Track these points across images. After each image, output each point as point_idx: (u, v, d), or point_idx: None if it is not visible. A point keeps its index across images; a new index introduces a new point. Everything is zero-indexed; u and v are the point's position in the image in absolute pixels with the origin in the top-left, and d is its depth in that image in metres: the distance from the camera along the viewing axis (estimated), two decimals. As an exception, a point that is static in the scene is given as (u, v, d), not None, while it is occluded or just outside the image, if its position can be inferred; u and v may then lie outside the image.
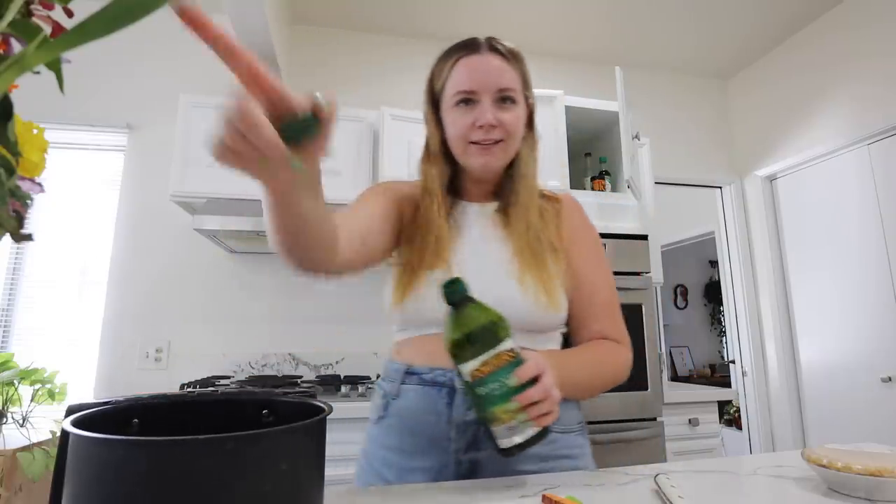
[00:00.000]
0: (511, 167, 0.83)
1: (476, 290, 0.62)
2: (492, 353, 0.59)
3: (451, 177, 0.85)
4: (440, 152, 0.83)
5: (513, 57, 0.81)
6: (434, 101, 0.85)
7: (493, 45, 0.80)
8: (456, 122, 0.79)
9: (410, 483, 0.71)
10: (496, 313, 0.61)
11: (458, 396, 0.72)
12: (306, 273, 0.73)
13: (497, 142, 0.78)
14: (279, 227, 0.59)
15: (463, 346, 0.59)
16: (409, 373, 0.77)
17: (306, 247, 0.64)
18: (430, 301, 0.74)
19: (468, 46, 0.80)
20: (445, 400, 0.72)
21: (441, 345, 0.62)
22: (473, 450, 0.71)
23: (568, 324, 0.82)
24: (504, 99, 0.78)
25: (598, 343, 0.80)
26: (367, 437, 0.81)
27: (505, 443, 0.60)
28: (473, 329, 0.59)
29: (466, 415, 0.71)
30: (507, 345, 0.60)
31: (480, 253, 0.80)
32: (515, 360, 0.59)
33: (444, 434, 0.72)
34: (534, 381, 0.59)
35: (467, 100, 0.78)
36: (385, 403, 0.78)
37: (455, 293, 0.61)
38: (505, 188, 0.83)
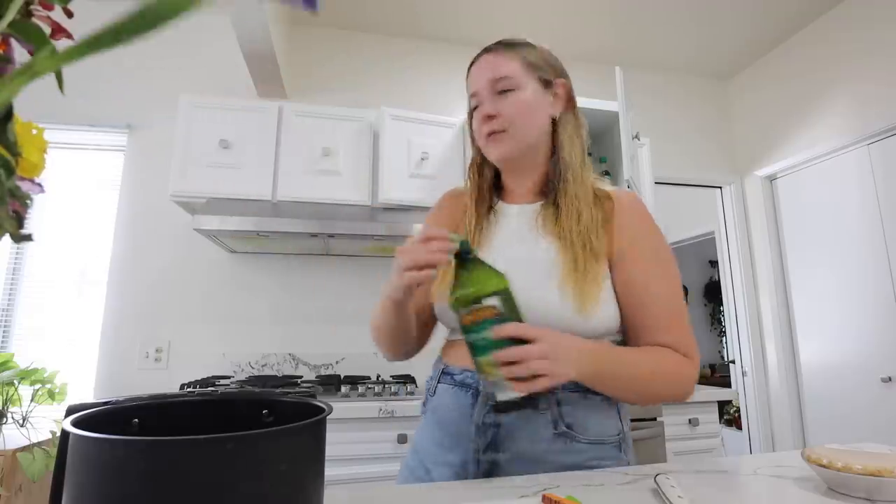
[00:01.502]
0: (554, 157, 0.82)
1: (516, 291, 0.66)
2: (478, 305, 0.62)
3: (494, 181, 0.89)
4: (480, 158, 0.89)
5: (508, 47, 0.82)
6: (470, 115, 0.88)
7: (488, 46, 0.84)
8: (474, 125, 0.84)
9: (438, 478, 0.75)
10: (493, 271, 0.65)
11: (480, 398, 0.74)
12: (396, 359, 0.92)
13: (502, 131, 0.79)
14: (394, 326, 0.79)
15: (457, 295, 0.65)
16: (445, 373, 0.81)
17: (405, 340, 0.84)
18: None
19: (475, 58, 0.86)
20: (471, 401, 0.75)
21: None
22: (492, 451, 0.73)
23: (626, 336, 0.79)
24: (501, 89, 0.79)
25: (659, 350, 0.74)
26: (416, 430, 0.86)
27: (491, 396, 0.65)
28: (467, 280, 0.65)
29: (486, 417, 0.73)
30: (492, 301, 0.63)
31: (515, 253, 0.79)
32: (500, 317, 0.63)
33: (467, 433, 0.74)
34: (522, 343, 0.62)
35: (477, 103, 0.82)
36: (426, 399, 0.85)
37: (460, 246, 0.66)
38: (550, 182, 0.82)
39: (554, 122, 0.82)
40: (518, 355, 0.61)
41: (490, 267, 0.66)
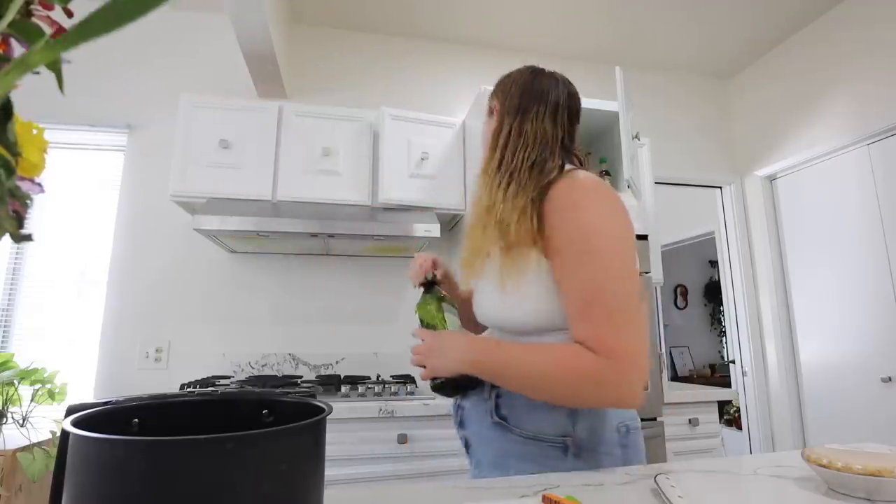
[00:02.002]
0: None
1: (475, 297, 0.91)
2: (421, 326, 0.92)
3: None
4: None
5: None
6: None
7: None
8: None
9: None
10: (439, 314, 0.90)
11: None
12: None
13: None
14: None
15: (417, 313, 0.94)
16: None
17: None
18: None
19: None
20: None
21: None
22: (461, 428, 0.88)
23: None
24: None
25: (564, 347, 0.72)
26: None
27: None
28: (422, 306, 0.93)
29: (457, 399, 0.89)
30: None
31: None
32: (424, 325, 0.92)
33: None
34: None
35: None
36: None
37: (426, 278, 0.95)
38: None
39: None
40: (413, 350, 0.86)
41: (438, 307, 0.90)
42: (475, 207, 0.88)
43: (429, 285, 0.93)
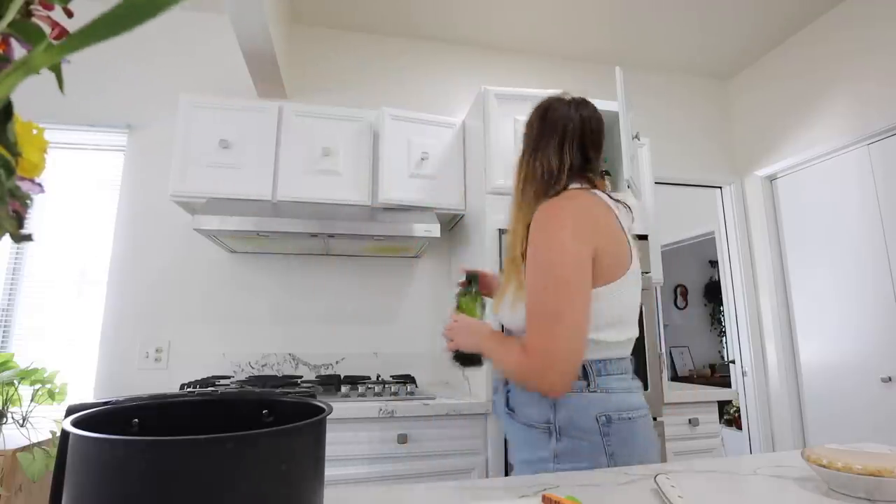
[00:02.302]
0: None
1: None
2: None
3: None
4: None
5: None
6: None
7: None
8: None
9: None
10: (474, 308, 1.13)
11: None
12: None
13: None
14: None
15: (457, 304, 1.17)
16: None
17: None
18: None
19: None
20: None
21: None
22: (507, 406, 1.00)
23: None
24: None
25: (515, 342, 0.94)
26: None
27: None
28: (462, 302, 1.15)
29: (494, 396, 1.08)
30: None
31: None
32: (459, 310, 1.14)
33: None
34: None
35: None
36: None
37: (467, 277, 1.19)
38: None
39: None
40: (447, 327, 1.08)
41: (474, 300, 1.14)
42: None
43: (471, 281, 1.15)
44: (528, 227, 0.96)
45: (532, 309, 0.89)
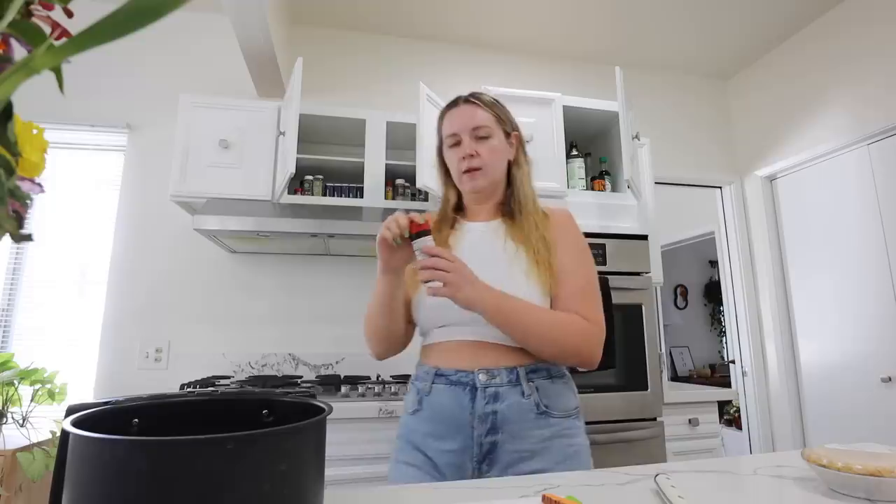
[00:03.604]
0: (510, 189, 1.06)
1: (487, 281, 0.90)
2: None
3: (459, 204, 1.10)
4: (446, 184, 1.10)
5: (485, 103, 1.05)
6: (439, 149, 1.10)
7: (468, 98, 1.06)
8: (451, 159, 1.06)
9: (442, 463, 0.89)
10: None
11: (478, 393, 0.90)
12: (384, 356, 1.05)
13: (478, 168, 1.01)
14: (383, 307, 0.97)
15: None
16: (439, 374, 0.94)
17: (394, 329, 1.01)
18: (424, 306, 0.97)
19: (450, 104, 1.08)
20: (469, 396, 0.90)
21: (460, 351, 0.94)
22: (492, 434, 0.89)
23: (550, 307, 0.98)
24: (479, 136, 1.02)
25: (562, 311, 0.93)
26: (403, 425, 0.99)
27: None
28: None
29: (485, 408, 0.89)
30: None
31: (483, 254, 0.98)
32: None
33: (468, 422, 0.90)
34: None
35: (455, 142, 1.04)
36: (420, 399, 0.96)
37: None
38: (511, 206, 1.04)
39: (509, 164, 1.07)
40: (432, 263, 0.85)
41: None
42: None
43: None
44: (540, 220, 1.01)
45: (587, 288, 0.96)
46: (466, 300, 0.85)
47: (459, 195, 1.10)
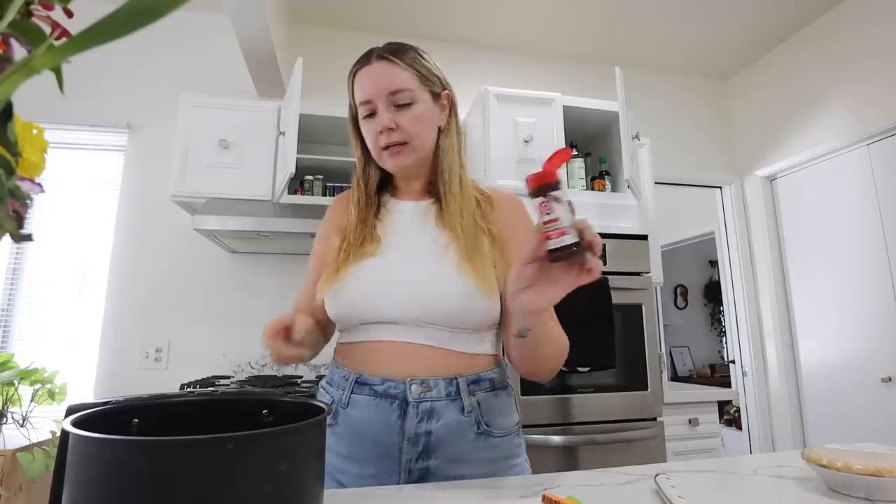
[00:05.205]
0: (435, 161, 0.86)
1: (410, 276, 0.77)
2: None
3: (385, 180, 0.91)
4: (364, 160, 0.88)
5: (402, 57, 0.82)
6: (353, 118, 0.88)
7: (383, 53, 0.82)
8: (367, 133, 0.84)
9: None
10: None
11: (410, 409, 0.73)
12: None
13: (403, 143, 0.81)
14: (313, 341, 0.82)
15: None
16: (360, 382, 0.77)
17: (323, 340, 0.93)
18: (356, 292, 0.79)
19: (361, 59, 0.84)
20: (398, 412, 0.74)
21: (388, 353, 0.76)
22: (424, 458, 0.74)
23: (501, 318, 0.80)
24: (399, 103, 0.80)
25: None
26: None
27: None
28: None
29: (418, 427, 0.73)
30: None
31: (413, 242, 0.83)
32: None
33: (395, 444, 0.74)
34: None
35: (370, 111, 0.82)
36: (334, 411, 0.78)
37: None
38: (436, 183, 0.85)
39: (439, 131, 0.86)
40: (596, 242, 0.55)
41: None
42: None
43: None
44: (470, 202, 0.83)
45: None
46: (550, 298, 0.60)
47: (383, 171, 0.89)
